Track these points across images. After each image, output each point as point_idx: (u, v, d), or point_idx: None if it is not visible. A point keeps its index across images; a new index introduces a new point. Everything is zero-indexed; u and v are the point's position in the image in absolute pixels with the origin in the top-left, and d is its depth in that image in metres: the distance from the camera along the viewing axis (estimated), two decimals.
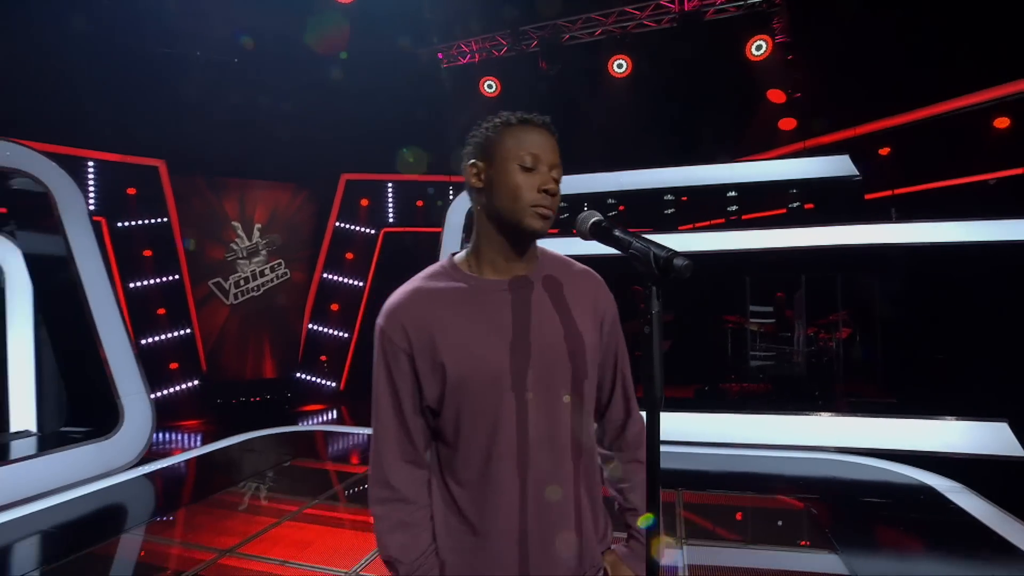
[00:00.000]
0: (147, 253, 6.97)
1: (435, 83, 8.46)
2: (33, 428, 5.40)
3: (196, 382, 7.13)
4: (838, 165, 5.98)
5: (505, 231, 1.12)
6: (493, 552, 1.09)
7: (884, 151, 7.35)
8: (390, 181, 8.44)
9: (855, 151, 6.10)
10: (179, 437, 6.22)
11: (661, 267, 0.93)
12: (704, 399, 6.71)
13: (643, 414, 1.08)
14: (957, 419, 4.86)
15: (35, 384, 5.44)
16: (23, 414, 5.39)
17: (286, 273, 7.94)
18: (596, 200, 6.93)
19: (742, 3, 7.26)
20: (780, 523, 3.83)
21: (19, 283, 5.40)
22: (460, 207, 6.61)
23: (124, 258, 6.70)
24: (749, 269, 7.47)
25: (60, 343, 5.43)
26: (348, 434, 6.36)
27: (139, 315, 6.62)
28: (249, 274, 7.71)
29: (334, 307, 8.10)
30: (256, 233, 7.73)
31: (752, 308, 7.86)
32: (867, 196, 6.86)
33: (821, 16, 6.98)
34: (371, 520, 1.14)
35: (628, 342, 1.26)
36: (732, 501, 4.10)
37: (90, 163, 6.59)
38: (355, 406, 7.62)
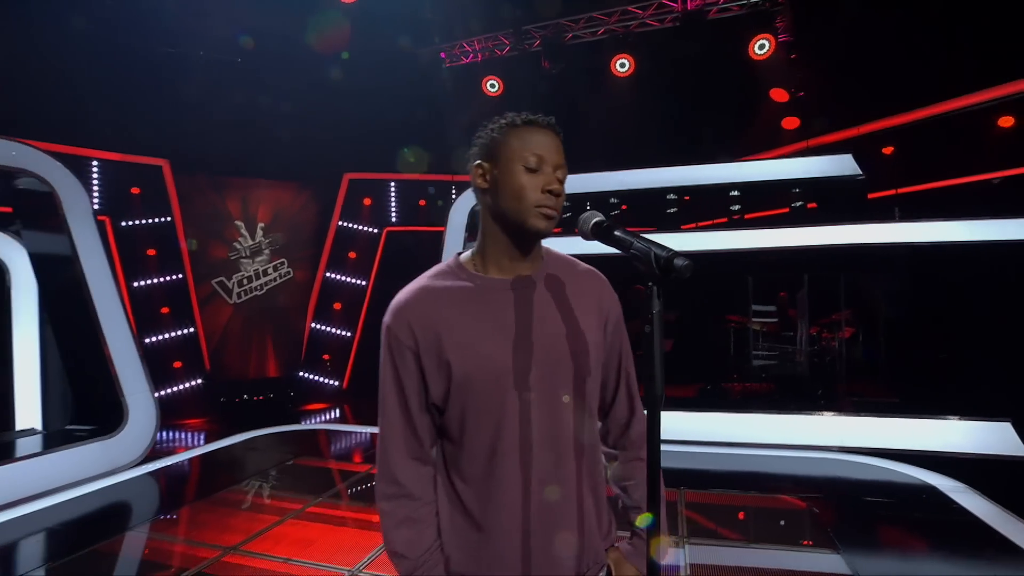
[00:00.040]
0: (151, 252, 6.99)
1: (437, 82, 8.46)
2: (38, 426, 5.43)
3: (199, 381, 7.15)
4: (841, 164, 5.96)
5: (510, 231, 1.13)
6: (496, 549, 1.10)
7: (887, 150, 7.32)
8: (393, 180, 8.44)
9: (858, 150, 6.07)
10: (183, 436, 6.23)
11: (662, 267, 0.94)
12: (707, 398, 6.70)
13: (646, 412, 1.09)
14: (960, 419, 4.84)
15: (40, 382, 5.48)
16: (28, 412, 5.43)
17: (289, 272, 7.96)
18: (599, 199, 6.91)
19: (745, 2, 7.24)
20: (782, 522, 3.83)
21: (24, 282, 5.44)
22: (463, 207, 6.61)
23: (128, 257, 6.71)
24: (752, 269, 7.47)
25: (65, 342, 5.46)
26: (351, 433, 6.37)
27: (143, 314, 6.65)
28: (252, 273, 7.73)
29: (337, 306, 8.11)
30: (259, 232, 7.75)
31: (755, 307, 7.86)
32: (870, 195, 6.83)
33: (824, 15, 6.96)
34: (373, 518, 1.15)
35: (630, 341, 1.27)
36: (734, 500, 4.10)
37: (94, 163, 6.61)
38: (358, 405, 7.62)
